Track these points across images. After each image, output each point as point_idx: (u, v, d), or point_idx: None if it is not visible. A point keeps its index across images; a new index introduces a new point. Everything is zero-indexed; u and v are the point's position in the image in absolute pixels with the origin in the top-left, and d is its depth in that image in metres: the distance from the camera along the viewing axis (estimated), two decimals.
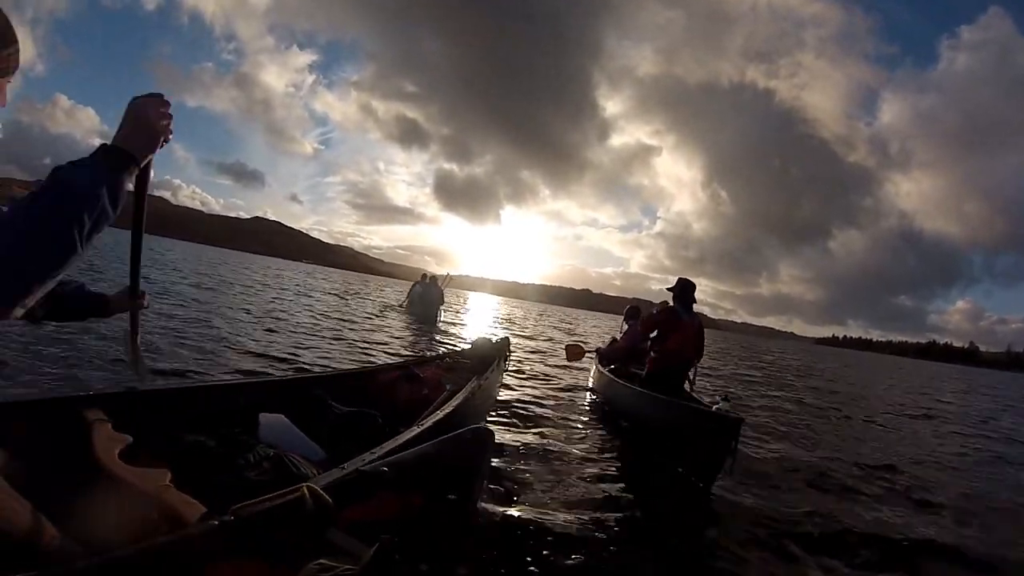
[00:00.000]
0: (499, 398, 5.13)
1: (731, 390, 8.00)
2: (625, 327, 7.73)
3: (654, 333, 5.21)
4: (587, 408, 5.93)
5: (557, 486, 3.30)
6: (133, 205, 1.37)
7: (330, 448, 2.31)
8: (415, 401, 3.24)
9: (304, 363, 5.78)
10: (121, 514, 1.34)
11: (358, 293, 22.64)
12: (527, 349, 11.63)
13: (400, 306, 17.32)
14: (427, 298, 15.59)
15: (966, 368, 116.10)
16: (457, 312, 22.91)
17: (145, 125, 1.05)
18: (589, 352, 7.97)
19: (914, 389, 17.83)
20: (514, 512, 2.80)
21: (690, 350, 5.04)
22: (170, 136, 1.11)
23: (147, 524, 1.31)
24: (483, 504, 2.72)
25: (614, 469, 3.83)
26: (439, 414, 2.54)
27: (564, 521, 2.79)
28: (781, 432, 6.08)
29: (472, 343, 4.46)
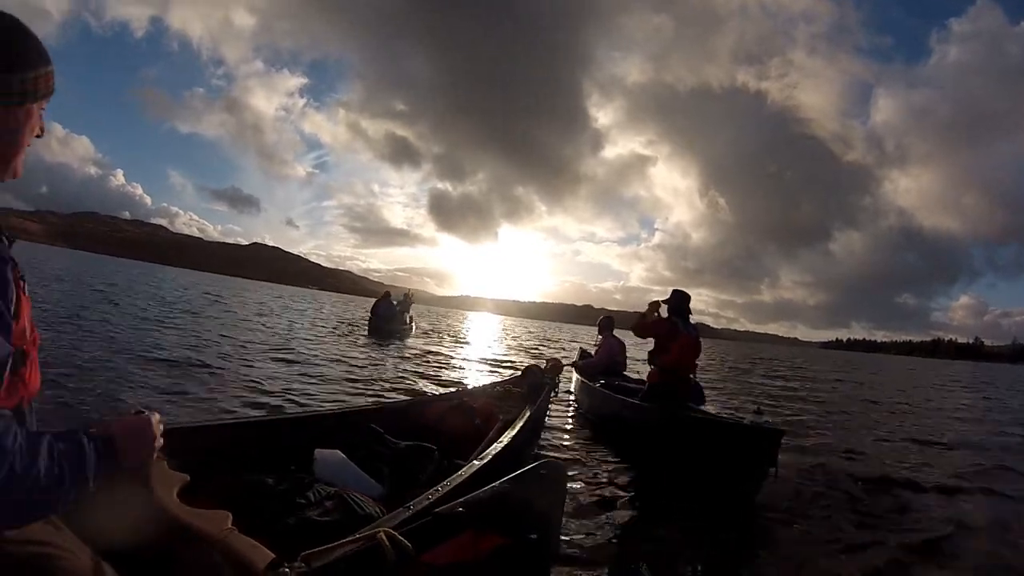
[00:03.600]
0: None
1: (764, 403, 7.67)
2: (599, 339, 7.52)
3: (651, 344, 5.06)
4: (586, 427, 5.70)
5: (608, 514, 3.23)
6: None
7: (388, 483, 2.19)
8: (468, 432, 3.11)
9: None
10: (186, 560, 1.24)
11: (344, 320, 21.58)
12: (513, 365, 11.36)
13: (365, 321, 17.19)
14: (386, 315, 15.72)
15: (977, 364, 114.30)
16: (441, 333, 22.02)
17: (147, 449, 1.10)
18: (567, 365, 7.76)
19: (958, 392, 17.14)
20: (584, 546, 2.69)
21: (690, 361, 4.90)
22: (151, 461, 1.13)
23: (212, 571, 1.21)
24: (562, 540, 2.59)
25: (650, 490, 3.80)
26: (498, 446, 2.41)
27: (634, 548, 2.77)
28: (819, 444, 5.88)
29: (523, 370, 4.33)
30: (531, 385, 3.98)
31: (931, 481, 4.61)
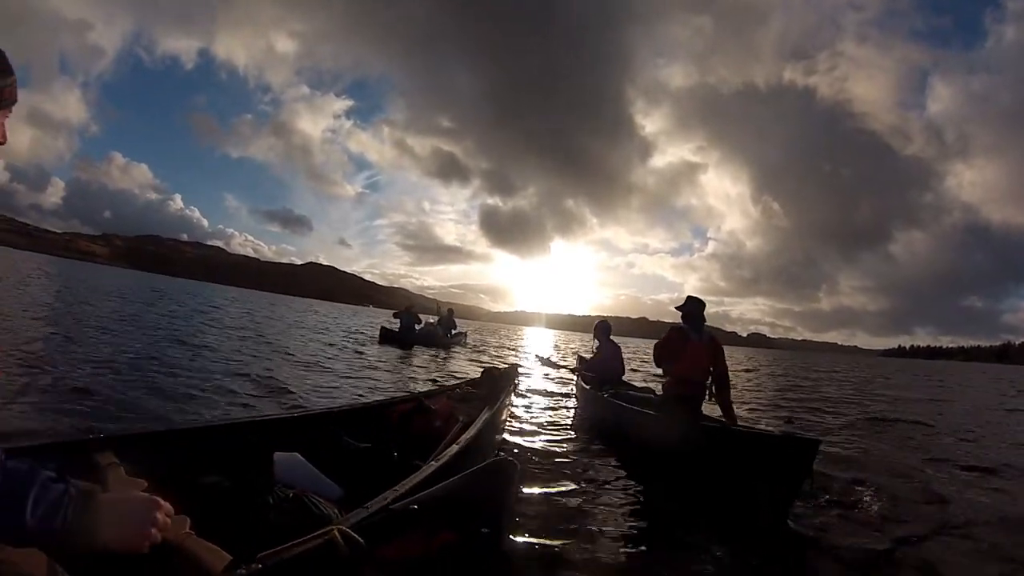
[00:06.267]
0: (507, 426, 4.98)
1: (796, 415, 7.22)
2: (596, 344, 7.44)
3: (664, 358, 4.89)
4: (591, 434, 5.52)
5: (588, 516, 3.18)
6: None
7: (347, 485, 2.24)
8: (428, 433, 3.17)
9: None
10: (143, 564, 1.27)
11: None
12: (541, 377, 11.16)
13: (390, 324, 16.80)
14: (408, 326, 15.75)
15: None
16: (487, 348, 20.96)
17: (138, 528, 0.98)
18: (563, 367, 7.85)
19: None
20: (548, 544, 2.71)
21: (703, 370, 4.75)
22: (142, 551, 1.00)
23: (171, 575, 1.24)
24: (513, 537, 2.64)
25: (645, 499, 3.64)
26: (455, 447, 2.48)
27: (608, 552, 2.69)
28: (867, 458, 5.45)
29: (482, 372, 4.40)
30: (490, 387, 4.06)
31: (990, 508, 4.03)
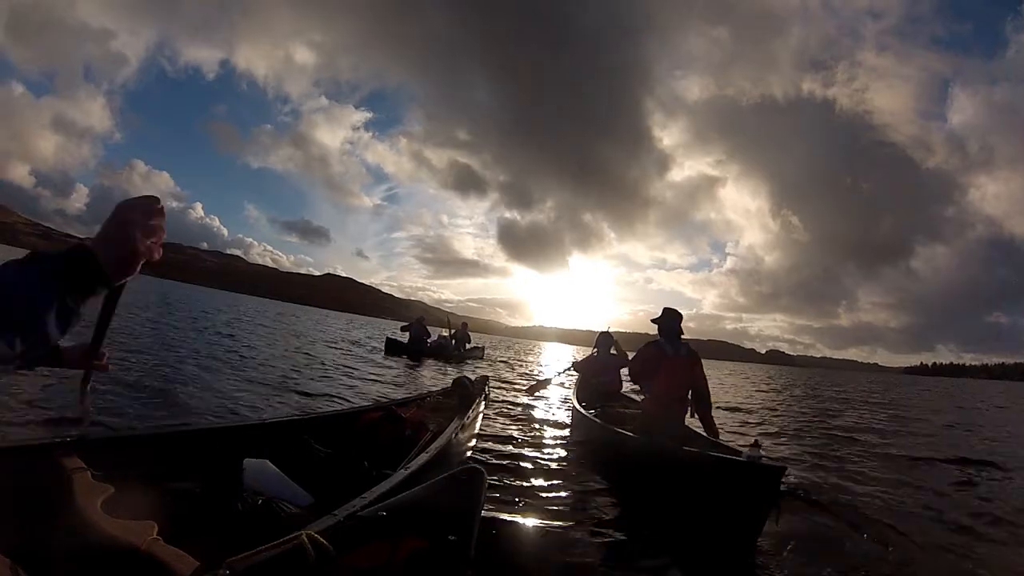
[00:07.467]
0: (482, 436, 5.02)
1: (759, 436, 6.80)
2: (595, 352, 7.62)
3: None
4: (575, 454, 5.26)
5: (559, 528, 3.21)
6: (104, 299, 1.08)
7: (317, 492, 2.25)
8: (398, 442, 3.19)
9: None
10: (109, 571, 1.27)
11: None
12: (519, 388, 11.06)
13: (396, 336, 16.58)
14: (417, 338, 15.72)
15: None
16: (500, 363, 19.72)
17: (125, 240, 0.87)
18: (542, 387, 8.22)
19: None
20: (517, 553, 2.75)
21: (682, 386, 4.58)
22: (155, 256, 0.92)
23: None
24: (482, 545, 2.67)
25: (618, 517, 3.56)
26: (425, 456, 2.51)
27: (577, 567, 2.71)
28: (853, 489, 4.87)
29: (453, 382, 4.42)
30: (461, 396, 4.09)
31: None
